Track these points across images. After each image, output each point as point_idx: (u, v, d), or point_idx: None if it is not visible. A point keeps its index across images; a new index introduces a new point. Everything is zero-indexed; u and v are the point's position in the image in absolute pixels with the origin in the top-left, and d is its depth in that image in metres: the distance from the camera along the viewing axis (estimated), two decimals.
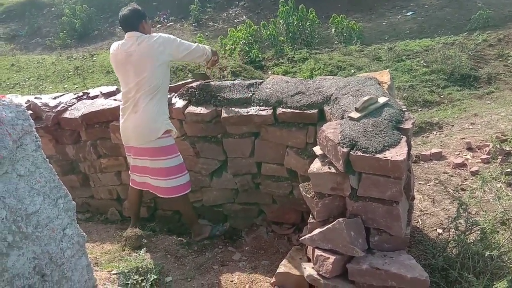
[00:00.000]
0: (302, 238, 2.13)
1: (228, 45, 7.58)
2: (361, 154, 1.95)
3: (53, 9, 11.74)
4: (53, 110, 3.29)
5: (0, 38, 11.17)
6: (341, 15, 8.22)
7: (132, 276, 2.18)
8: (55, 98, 3.48)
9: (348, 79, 2.82)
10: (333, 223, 1.98)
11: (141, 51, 2.67)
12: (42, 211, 1.69)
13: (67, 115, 3.28)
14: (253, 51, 7.34)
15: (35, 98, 3.48)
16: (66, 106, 3.35)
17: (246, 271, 2.58)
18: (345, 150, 1.98)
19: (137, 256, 2.40)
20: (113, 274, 2.23)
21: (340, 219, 1.97)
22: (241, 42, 7.46)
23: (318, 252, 2.02)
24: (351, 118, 2.21)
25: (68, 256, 1.78)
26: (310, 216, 2.22)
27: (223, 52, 7.51)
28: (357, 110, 2.24)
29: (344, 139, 2.04)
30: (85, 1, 11.38)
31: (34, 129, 1.74)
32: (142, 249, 2.50)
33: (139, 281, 2.19)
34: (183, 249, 2.76)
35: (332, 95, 2.64)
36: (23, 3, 12.28)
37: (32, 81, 7.05)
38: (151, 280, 2.23)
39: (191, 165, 3.11)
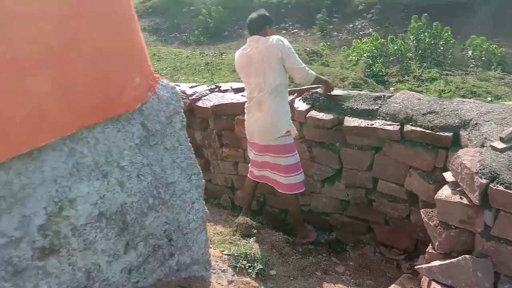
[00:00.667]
0: (418, 266, 2.01)
1: (351, 56, 7.47)
2: (503, 189, 1.76)
3: (192, 8, 12.94)
4: (189, 98, 3.65)
5: (145, 30, 12.69)
6: (481, 37, 7.48)
7: (240, 261, 2.30)
8: (191, 87, 3.86)
9: (492, 106, 2.59)
10: (458, 258, 1.82)
11: (259, 52, 2.79)
12: (178, 183, 1.88)
13: (200, 104, 3.60)
14: (377, 64, 7.11)
15: (176, 85, 3.89)
16: (200, 95, 3.67)
17: (350, 286, 2.51)
18: (483, 181, 1.80)
19: (246, 243, 2.52)
20: (225, 254, 2.37)
21: (467, 256, 1.80)
22: (364, 55, 7.30)
23: (435, 285, 1.87)
24: (494, 148, 2.01)
25: (192, 228, 1.94)
26: (430, 245, 2.07)
27: (345, 63, 7.43)
28: (502, 140, 2.03)
29: (483, 169, 1.86)
30: (220, 2, 12.31)
31: (182, 110, 1.96)
32: (252, 238, 2.61)
33: (246, 267, 2.29)
34: (288, 247, 2.80)
35: (471, 119, 2.43)
36: (167, 0, 13.77)
37: (168, 71, 7.87)
38: (257, 268, 2.32)
39: (304, 168, 3.13)
